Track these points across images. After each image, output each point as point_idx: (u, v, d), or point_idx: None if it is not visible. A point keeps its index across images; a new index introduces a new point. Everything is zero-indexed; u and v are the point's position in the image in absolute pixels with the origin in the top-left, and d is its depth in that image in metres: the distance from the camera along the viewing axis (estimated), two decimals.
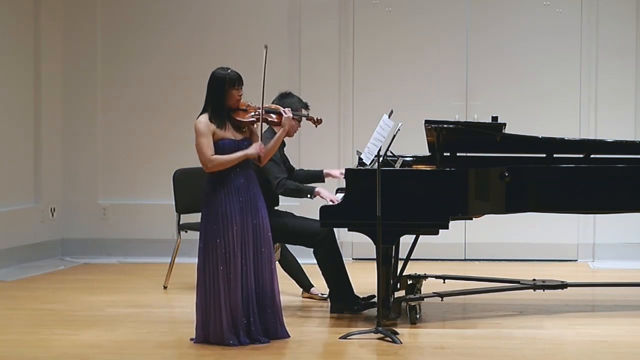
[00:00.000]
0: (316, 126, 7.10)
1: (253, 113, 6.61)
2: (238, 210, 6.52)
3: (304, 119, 7.22)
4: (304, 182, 7.77)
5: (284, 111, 6.83)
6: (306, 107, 7.67)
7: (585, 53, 9.86)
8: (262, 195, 6.67)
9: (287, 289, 8.20)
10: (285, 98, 7.59)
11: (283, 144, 7.60)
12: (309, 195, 7.50)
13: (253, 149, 6.58)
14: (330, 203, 7.25)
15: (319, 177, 7.85)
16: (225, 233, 6.48)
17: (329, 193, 7.48)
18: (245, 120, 6.59)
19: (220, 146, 6.51)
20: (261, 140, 6.67)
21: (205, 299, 6.51)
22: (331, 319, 7.36)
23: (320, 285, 7.91)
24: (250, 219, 6.55)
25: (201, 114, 6.56)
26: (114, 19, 10.21)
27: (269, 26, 10.06)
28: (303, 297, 8.09)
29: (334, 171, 7.81)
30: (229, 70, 6.59)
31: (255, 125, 6.64)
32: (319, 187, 7.55)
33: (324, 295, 7.91)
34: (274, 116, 6.79)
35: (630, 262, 9.60)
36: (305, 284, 8.09)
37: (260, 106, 6.63)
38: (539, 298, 7.88)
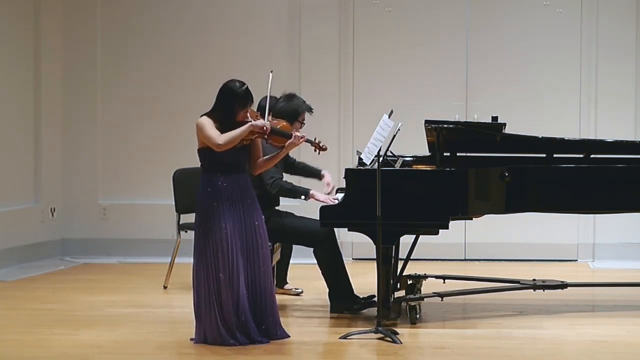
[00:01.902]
0: (318, 153, 7.02)
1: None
2: (231, 211, 6.51)
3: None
4: (303, 174, 7.80)
5: (295, 136, 6.77)
6: (310, 110, 7.64)
7: (585, 53, 9.86)
8: (256, 197, 6.66)
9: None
10: (290, 100, 7.57)
11: None
12: (302, 197, 7.47)
13: (260, 122, 6.53)
14: (328, 203, 7.24)
15: (317, 175, 7.81)
16: (219, 234, 6.47)
17: (325, 196, 7.42)
18: (248, 136, 6.56)
19: (220, 153, 6.49)
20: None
21: (202, 300, 6.51)
22: (331, 319, 7.36)
23: (320, 285, 7.93)
24: (244, 221, 6.54)
25: (205, 115, 6.54)
26: (114, 19, 10.22)
27: (269, 26, 10.07)
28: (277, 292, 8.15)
29: (327, 178, 7.67)
30: (241, 89, 6.51)
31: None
32: (313, 190, 7.50)
33: (298, 290, 8.08)
34: (278, 139, 6.72)
35: (630, 262, 9.60)
36: (280, 280, 8.14)
37: (266, 119, 6.61)
38: (539, 298, 7.88)
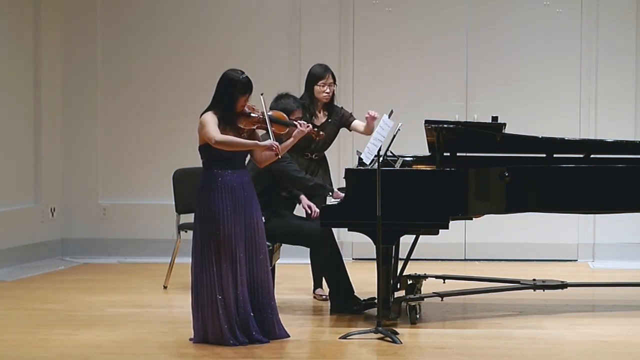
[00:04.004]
0: (316, 139, 7.07)
1: (256, 121, 6.58)
2: (231, 210, 6.50)
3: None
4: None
5: (299, 123, 6.82)
6: (303, 106, 7.65)
7: (585, 53, 9.86)
8: (256, 196, 6.66)
9: (287, 289, 8.22)
10: (280, 99, 7.54)
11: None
12: (330, 194, 7.48)
13: (266, 142, 6.53)
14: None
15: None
16: (217, 232, 6.47)
17: (308, 202, 7.51)
18: (246, 128, 6.57)
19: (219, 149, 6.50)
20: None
21: (203, 298, 6.50)
22: (331, 319, 7.36)
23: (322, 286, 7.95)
24: (243, 220, 6.54)
25: (207, 111, 6.55)
26: (114, 19, 10.22)
27: (269, 26, 10.07)
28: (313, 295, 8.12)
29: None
30: (242, 75, 6.55)
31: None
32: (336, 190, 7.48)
33: (322, 296, 7.96)
34: (277, 127, 6.73)
35: (630, 262, 9.60)
36: (317, 284, 8.09)
37: (264, 111, 6.60)
38: (539, 298, 7.88)
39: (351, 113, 8.05)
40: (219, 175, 6.53)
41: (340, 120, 7.97)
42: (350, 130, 8.08)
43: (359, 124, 7.94)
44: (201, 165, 6.63)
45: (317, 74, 7.93)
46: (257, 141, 6.54)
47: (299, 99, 7.64)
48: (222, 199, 6.50)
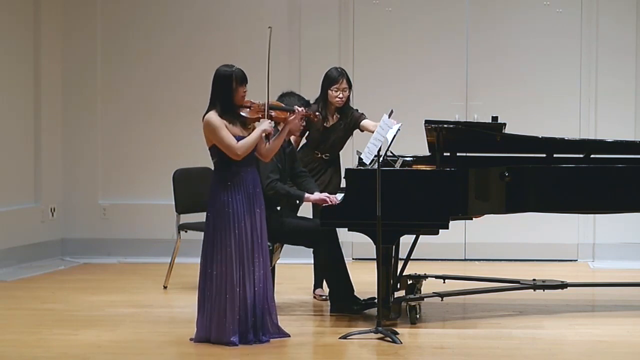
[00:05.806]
0: (315, 121, 7.11)
1: (258, 110, 6.62)
2: (246, 209, 6.52)
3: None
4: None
5: (296, 109, 6.80)
6: (307, 105, 7.61)
7: (585, 53, 9.86)
8: (262, 194, 6.68)
9: (287, 289, 8.22)
10: (284, 97, 7.53)
11: (290, 147, 7.52)
12: (297, 201, 7.43)
13: (266, 125, 6.60)
14: (325, 204, 7.19)
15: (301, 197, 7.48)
16: (234, 231, 6.48)
17: (318, 195, 7.28)
18: (251, 117, 6.60)
19: None
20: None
21: (209, 295, 6.50)
22: (331, 319, 7.36)
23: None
24: (253, 218, 6.55)
25: (208, 111, 6.56)
26: (114, 19, 10.21)
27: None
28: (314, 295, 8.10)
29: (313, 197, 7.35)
30: (234, 68, 6.59)
31: (260, 121, 6.67)
32: (307, 194, 7.35)
33: (322, 297, 7.94)
34: (277, 113, 6.75)
35: (630, 262, 9.60)
36: (317, 284, 8.08)
37: (265, 103, 6.63)
38: (539, 298, 7.88)
39: (362, 113, 8.01)
40: (234, 173, 6.54)
41: (350, 122, 7.95)
42: (362, 131, 8.02)
43: (369, 123, 7.90)
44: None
45: (332, 78, 7.88)
46: (259, 128, 6.57)
47: (303, 97, 7.61)
48: (237, 197, 6.51)
